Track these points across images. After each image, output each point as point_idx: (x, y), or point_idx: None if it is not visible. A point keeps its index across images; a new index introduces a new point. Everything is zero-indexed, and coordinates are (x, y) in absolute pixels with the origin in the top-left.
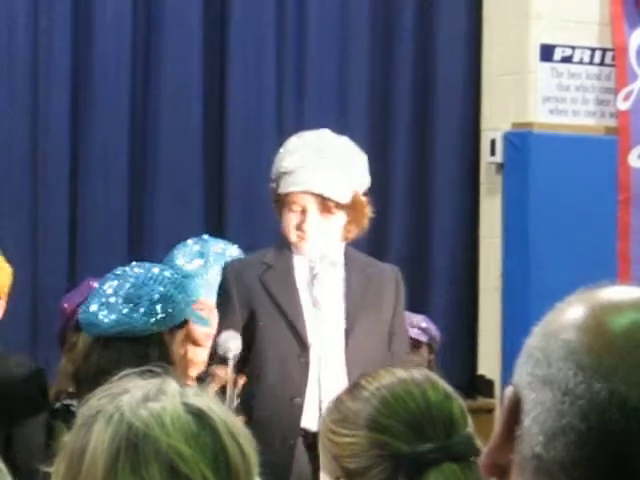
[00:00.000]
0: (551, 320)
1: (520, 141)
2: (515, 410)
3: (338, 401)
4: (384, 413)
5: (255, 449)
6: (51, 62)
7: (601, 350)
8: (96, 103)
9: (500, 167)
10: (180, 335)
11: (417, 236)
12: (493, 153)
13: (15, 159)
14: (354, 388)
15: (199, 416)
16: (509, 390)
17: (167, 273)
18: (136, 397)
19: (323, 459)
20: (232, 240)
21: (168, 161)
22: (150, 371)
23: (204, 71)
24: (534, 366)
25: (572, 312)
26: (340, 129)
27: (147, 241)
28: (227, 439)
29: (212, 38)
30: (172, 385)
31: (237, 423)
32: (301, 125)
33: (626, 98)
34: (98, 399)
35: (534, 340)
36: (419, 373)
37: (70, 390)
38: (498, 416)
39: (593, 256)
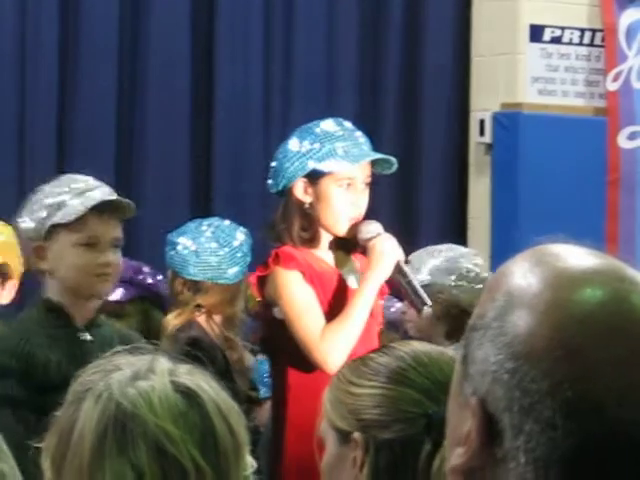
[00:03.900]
0: (511, 326)
1: (509, 121)
2: (487, 427)
3: (363, 358)
4: (418, 370)
5: (246, 428)
6: (38, 52)
7: (587, 381)
8: (82, 94)
9: (489, 147)
10: None
11: (406, 216)
12: (482, 133)
13: (1, 150)
14: (384, 348)
15: (188, 395)
16: (474, 402)
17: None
18: (126, 375)
19: (332, 416)
20: None
21: (155, 151)
22: (141, 348)
23: (192, 59)
24: (507, 390)
25: (538, 324)
26: (328, 112)
27: (133, 232)
28: (216, 418)
29: (200, 26)
30: (162, 363)
31: (228, 402)
32: (289, 108)
33: (615, 79)
34: (90, 375)
35: (496, 355)
36: (449, 350)
37: None
38: (469, 423)
39: (581, 237)
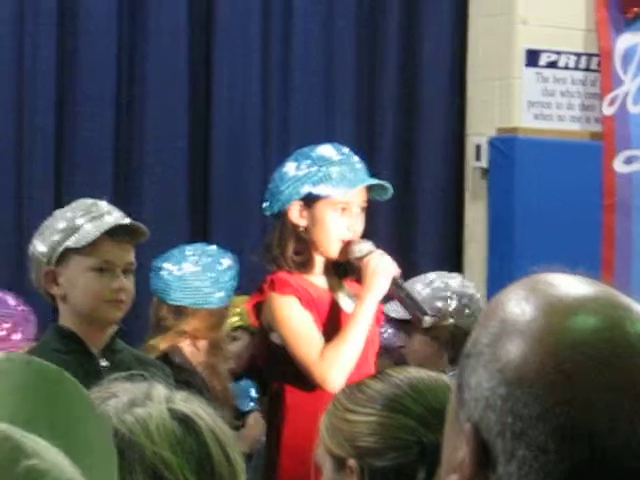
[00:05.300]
0: (504, 352)
1: (505, 146)
2: (481, 453)
3: (359, 384)
4: (413, 397)
5: (242, 455)
6: (35, 69)
7: (579, 407)
8: (80, 111)
9: (485, 172)
10: None
11: (402, 241)
12: (478, 158)
13: None
14: (380, 374)
15: (185, 422)
16: (468, 428)
17: None
18: (123, 402)
19: (328, 442)
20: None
21: (153, 171)
22: (140, 375)
23: (190, 79)
24: (500, 415)
25: (530, 350)
26: (326, 134)
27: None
28: (213, 445)
29: (198, 45)
30: (159, 390)
31: (224, 429)
32: (287, 126)
33: (611, 103)
34: None
35: (489, 380)
36: (444, 376)
37: None
38: (462, 450)
39: (577, 261)
